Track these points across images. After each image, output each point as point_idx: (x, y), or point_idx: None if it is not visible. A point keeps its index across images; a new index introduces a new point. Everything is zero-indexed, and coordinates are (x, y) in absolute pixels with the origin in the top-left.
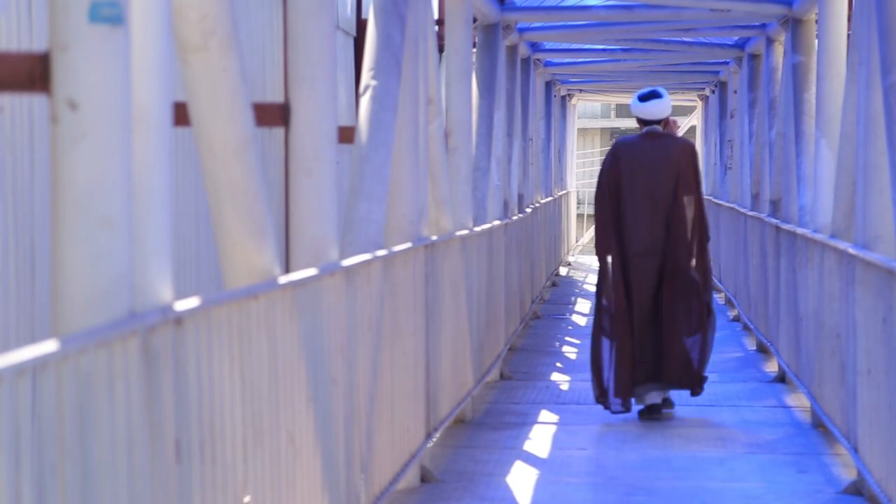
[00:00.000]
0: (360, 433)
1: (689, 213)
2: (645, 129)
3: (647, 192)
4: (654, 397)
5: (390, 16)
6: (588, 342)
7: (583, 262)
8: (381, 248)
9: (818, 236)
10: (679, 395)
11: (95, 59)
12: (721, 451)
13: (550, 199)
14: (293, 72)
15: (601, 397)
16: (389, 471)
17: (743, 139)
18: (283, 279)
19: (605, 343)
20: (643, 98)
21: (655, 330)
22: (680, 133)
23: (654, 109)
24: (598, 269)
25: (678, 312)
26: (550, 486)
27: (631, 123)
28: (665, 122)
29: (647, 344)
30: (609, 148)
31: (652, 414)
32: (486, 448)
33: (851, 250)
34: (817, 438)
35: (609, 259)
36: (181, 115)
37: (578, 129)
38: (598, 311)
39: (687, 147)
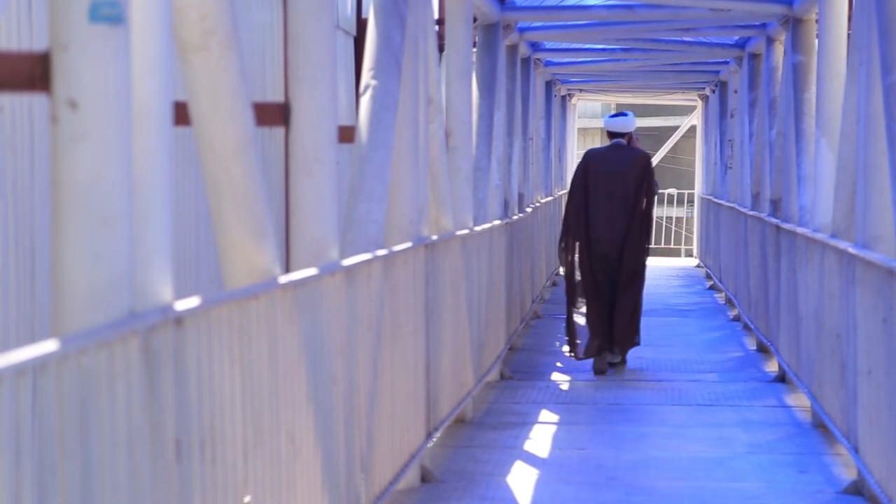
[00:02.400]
0: (361, 433)
1: (641, 212)
2: (613, 141)
3: (609, 193)
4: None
5: (390, 15)
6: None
7: None
8: (381, 247)
9: (818, 236)
10: (680, 396)
11: (95, 59)
12: (721, 451)
13: (551, 198)
14: (293, 72)
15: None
16: (389, 471)
17: (743, 139)
18: (283, 279)
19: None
20: (613, 116)
21: (607, 303)
22: (679, 134)
23: (621, 123)
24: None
25: (627, 290)
26: (550, 486)
27: None
28: (629, 137)
29: (601, 314)
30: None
31: (601, 369)
32: (487, 448)
33: (851, 250)
34: (817, 438)
35: (575, 255)
36: (181, 115)
37: (579, 128)
38: (569, 296)
39: (645, 159)
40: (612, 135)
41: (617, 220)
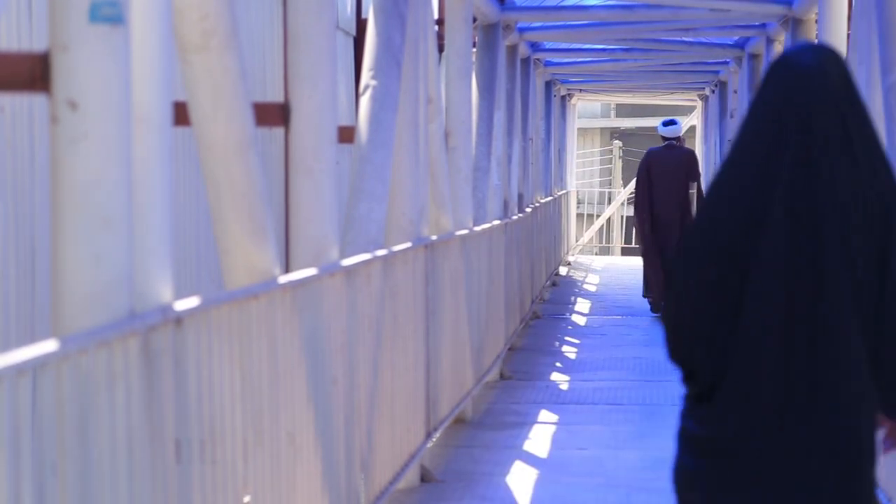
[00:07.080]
0: (361, 433)
1: (693, 195)
2: (666, 142)
3: (668, 184)
4: None
5: (390, 16)
6: (587, 342)
7: (583, 262)
8: (381, 247)
9: None
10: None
11: (95, 59)
12: None
13: (550, 198)
14: (293, 71)
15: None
16: (389, 470)
17: None
18: (283, 279)
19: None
20: (666, 124)
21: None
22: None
23: (672, 130)
24: (638, 231)
25: None
26: (550, 486)
27: (630, 123)
28: (679, 139)
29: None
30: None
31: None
32: (486, 448)
33: None
34: None
35: (645, 226)
36: (181, 115)
37: (578, 128)
38: (644, 255)
39: (690, 155)
40: (664, 138)
41: (672, 200)
